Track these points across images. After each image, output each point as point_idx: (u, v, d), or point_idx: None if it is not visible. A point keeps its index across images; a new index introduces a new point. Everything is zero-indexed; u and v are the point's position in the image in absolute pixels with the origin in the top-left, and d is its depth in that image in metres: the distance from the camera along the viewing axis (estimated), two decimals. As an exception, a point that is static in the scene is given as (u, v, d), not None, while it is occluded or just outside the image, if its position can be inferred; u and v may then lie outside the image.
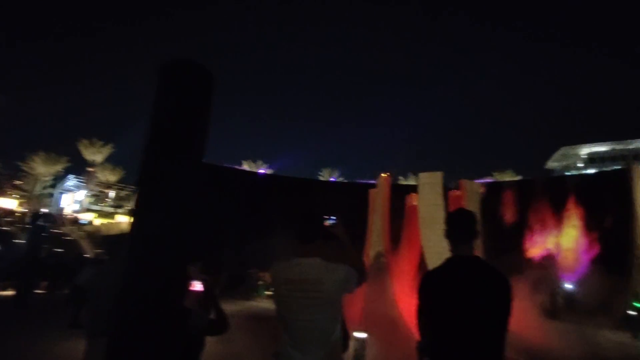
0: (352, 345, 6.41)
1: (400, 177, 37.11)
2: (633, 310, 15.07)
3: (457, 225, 2.42)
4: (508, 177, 37.40)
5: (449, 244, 2.42)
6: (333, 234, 2.60)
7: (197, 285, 3.19)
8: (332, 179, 34.87)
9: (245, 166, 34.69)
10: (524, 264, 27.00)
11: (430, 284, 2.37)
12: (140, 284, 2.26)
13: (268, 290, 19.30)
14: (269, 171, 35.17)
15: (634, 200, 25.30)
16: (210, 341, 3.24)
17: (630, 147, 69.07)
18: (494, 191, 28.60)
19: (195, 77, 2.54)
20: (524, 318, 11.15)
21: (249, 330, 9.04)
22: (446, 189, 15.17)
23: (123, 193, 50.85)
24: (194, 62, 2.57)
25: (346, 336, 2.56)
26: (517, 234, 29.11)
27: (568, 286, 23.28)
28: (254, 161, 35.31)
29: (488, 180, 36.15)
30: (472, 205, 13.61)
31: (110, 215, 47.02)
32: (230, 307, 15.41)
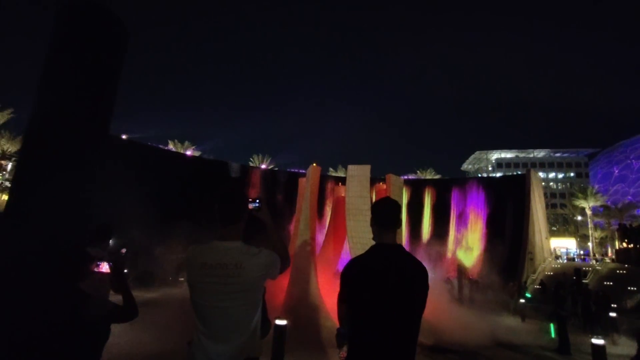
0: (271, 332, 6.33)
1: (331, 169, 37.81)
2: (523, 299, 17.18)
3: (382, 213, 2.42)
4: (429, 175, 40.07)
5: (373, 232, 2.40)
6: (256, 218, 2.44)
7: (103, 267, 2.80)
8: (262, 166, 34.32)
9: (171, 146, 32.58)
10: (438, 254, 29.35)
11: (353, 272, 2.33)
12: (15, 266, 1.88)
13: (183, 275, 18.53)
14: (196, 153, 33.51)
15: (529, 202, 28.81)
16: (118, 330, 2.88)
17: (531, 155, 78.29)
18: (416, 187, 30.62)
19: (102, 26, 2.07)
20: (435, 305, 12.08)
21: (163, 318, 8.53)
22: (373, 182, 15.72)
23: (23, 166, 44.73)
24: (102, 6, 2.10)
25: (266, 323, 2.42)
26: (435, 227, 31.54)
27: (472, 277, 25.78)
28: (181, 142, 33.41)
29: (412, 176, 38.40)
30: (396, 198, 14.28)
31: (8, 190, 41.33)
32: (145, 293, 14.52)
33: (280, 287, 11.33)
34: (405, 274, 2.23)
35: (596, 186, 52.25)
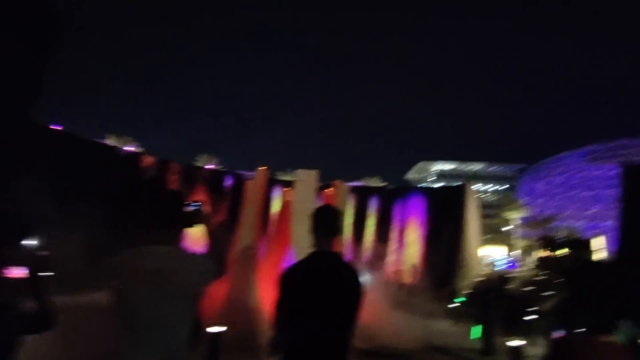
0: (206, 340, 6.13)
1: (279, 172, 37.66)
2: (455, 303, 18.26)
3: (321, 220, 2.47)
4: (375, 182, 41.29)
5: (313, 239, 2.44)
6: (195, 221, 2.37)
7: (14, 271, 2.55)
8: (208, 166, 33.27)
9: (109, 141, 30.54)
10: (380, 260, 30.16)
11: (290, 278, 2.35)
12: None
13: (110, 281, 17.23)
14: (138, 149, 31.65)
15: (466, 212, 30.70)
16: (32, 341, 2.62)
17: (468, 168, 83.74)
18: (363, 193, 31.38)
19: (28, 9, 1.90)
20: (374, 309, 12.42)
21: (85, 327, 7.92)
22: (321, 188, 15.89)
23: None
24: None
25: (199, 331, 2.36)
26: (379, 233, 32.45)
27: (411, 283, 26.86)
28: (120, 136, 31.39)
29: (359, 183, 39.30)
30: (342, 204, 14.57)
31: None
32: (67, 299, 13.36)
33: (219, 292, 11.05)
34: (340, 281, 2.30)
35: (524, 199, 57.02)
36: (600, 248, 34.70)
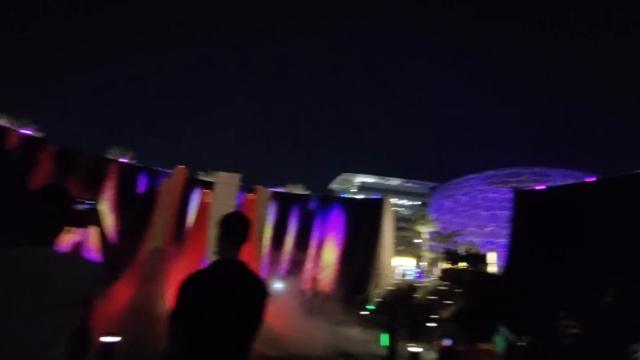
0: (96, 352, 5.53)
1: (201, 173, 36.10)
2: (366, 311, 19.03)
3: (231, 228, 2.38)
4: (298, 190, 41.60)
5: (218, 246, 2.34)
6: (87, 221, 2.12)
7: None
8: (122, 160, 30.63)
9: (3, 121, 26.61)
10: (298, 268, 30.32)
11: (190, 287, 2.21)
12: None
13: None
14: (37, 134, 28.02)
15: (382, 224, 32.46)
16: None
17: (388, 182, 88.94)
18: (284, 200, 31.47)
19: None
20: (287, 317, 12.40)
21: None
22: (242, 191, 15.54)
23: None
24: None
25: (86, 343, 2.08)
26: (297, 241, 32.68)
27: (326, 290, 27.42)
28: (16, 117, 27.51)
29: (281, 189, 39.30)
30: (263, 210, 14.40)
31: None
32: None
33: (120, 297, 10.16)
34: (243, 292, 2.22)
35: (433, 215, 62.12)
36: (493, 262, 39.12)
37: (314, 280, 25.60)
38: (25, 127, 27.65)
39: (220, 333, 2.11)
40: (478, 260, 33.98)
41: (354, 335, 15.24)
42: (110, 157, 30.47)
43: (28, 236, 1.77)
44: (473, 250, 39.39)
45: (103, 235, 2.26)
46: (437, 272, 48.44)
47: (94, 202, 2.19)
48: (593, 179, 32.60)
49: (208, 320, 2.11)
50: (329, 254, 32.19)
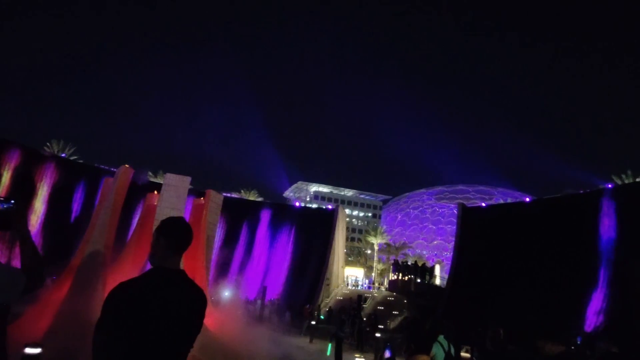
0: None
1: (150, 174, 34.48)
2: (314, 321, 18.96)
3: (175, 235, 2.24)
4: (252, 196, 40.99)
5: (156, 253, 2.19)
6: (6, 223, 1.90)
7: None
8: (62, 155, 28.51)
9: None
10: (243, 275, 29.65)
11: (121, 297, 2.04)
12: None
13: None
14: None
15: (334, 234, 32.79)
16: None
17: (342, 193, 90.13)
18: (237, 206, 30.84)
19: None
20: (233, 325, 12.04)
21: None
22: (191, 195, 14.99)
23: None
24: None
25: (1, 356, 1.84)
26: (245, 248, 32.06)
27: (274, 299, 27.05)
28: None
29: (235, 195, 38.49)
30: (213, 215, 13.95)
31: None
32: None
33: (51, 304, 9.33)
34: (180, 303, 2.10)
35: (384, 227, 63.66)
36: (438, 274, 40.78)
37: (263, 289, 25.16)
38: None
39: (150, 345, 1.98)
40: (425, 272, 35.18)
41: (302, 344, 15.09)
42: (47, 151, 28.29)
43: None
44: (421, 262, 40.79)
45: (25, 238, 2.04)
46: (386, 282, 49.69)
47: (13, 201, 1.96)
48: (528, 198, 35.31)
49: (138, 333, 1.97)
50: (279, 261, 31.89)
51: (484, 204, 36.76)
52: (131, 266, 13.29)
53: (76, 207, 25.41)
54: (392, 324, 25.05)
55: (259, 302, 22.48)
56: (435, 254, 65.23)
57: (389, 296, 33.46)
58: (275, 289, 29.52)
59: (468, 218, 30.08)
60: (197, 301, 2.16)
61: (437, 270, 40.37)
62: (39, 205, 24.01)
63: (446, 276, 33.40)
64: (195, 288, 2.19)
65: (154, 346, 1.96)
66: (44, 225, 23.88)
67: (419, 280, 33.80)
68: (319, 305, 26.23)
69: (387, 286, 42.66)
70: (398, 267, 37.04)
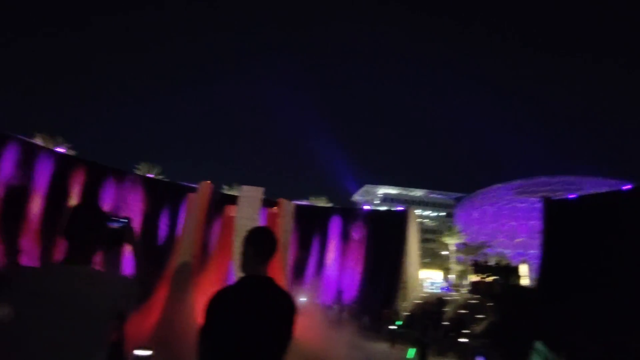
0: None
1: (225, 187, 36.66)
2: (394, 325, 18.55)
3: (258, 244, 2.34)
4: (322, 202, 41.53)
5: (244, 262, 2.30)
6: (121, 239, 2.12)
7: None
8: (149, 175, 31.54)
9: (39, 140, 28.00)
10: (321, 280, 30.06)
11: (219, 304, 2.17)
12: None
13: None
14: (70, 152, 29.29)
15: (407, 236, 31.88)
16: None
17: (411, 193, 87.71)
18: (307, 213, 31.43)
19: None
20: (314, 330, 12.22)
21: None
22: (265, 205, 15.61)
23: None
24: None
25: (120, 357, 2.06)
26: (320, 254, 32.50)
27: (351, 304, 27.00)
28: (51, 136, 28.87)
29: (305, 202, 39.31)
30: (286, 223, 14.38)
31: None
32: None
33: (152, 311, 10.28)
34: (272, 309, 2.19)
35: (459, 226, 60.54)
36: (525, 274, 37.58)
37: (339, 293, 25.27)
38: (59, 146, 28.98)
39: (250, 350, 2.08)
40: (509, 272, 32.70)
41: (383, 350, 14.85)
42: (139, 173, 31.46)
43: (65, 254, 1.78)
44: (503, 262, 37.98)
45: (136, 252, 2.26)
46: (466, 284, 47.07)
47: (127, 219, 2.19)
48: (629, 186, 30.87)
49: (238, 338, 2.09)
50: (353, 266, 31.80)
51: (572, 195, 33.18)
52: (216, 274, 14.20)
53: (164, 222, 27.81)
54: (478, 329, 23.62)
55: (336, 307, 22.60)
56: (519, 253, 60.35)
57: (472, 299, 31.63)
58: (351, 293, 29.47)
59: (554, 212, 27.38)
60: (286, 306, 2.23)
61: (523, 270, 37.24)
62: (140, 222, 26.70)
63: (534, 276, 30.71)
64: (285, 294, 2.26)
65: (251, 350, 2.06)
66: (141, 240, 26.52)
67: (502, 282, 31.52)
68: (398, 310, 25.64)
69: (468, 288, 40.41)
70: (479, 268, 34.93)
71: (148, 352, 6.14)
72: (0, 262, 19.29)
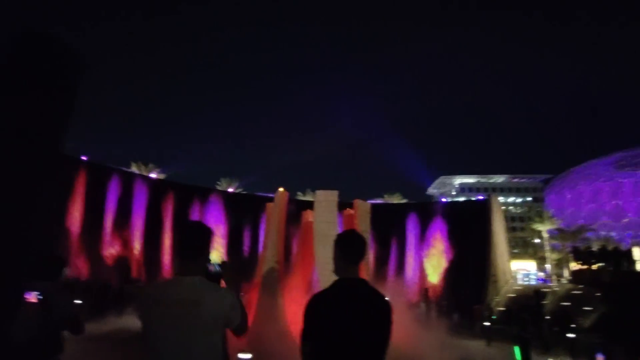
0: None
1: (299, 193, 37.76)
2: (488, 322, 17.45)
3: (347, 247, 2.40)
4: (396, 199, 40.81)
5: (338, 265, 2.37)
6: (218, 281, 2.38)
7: (31, 297, 2.65)
8: (230, 190, 33.71)
9: (135, 169, 31.57)
10: (404, 279, 29.47)
11: (317, 308, 2.27)
12: None
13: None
14: (161, 176, 32.49)
15: (491, 226, 29.87)
16: None
17: (491, 180, 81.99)
18: (383, 211, 31.04)
19: (51, 53, 2.00)
20: (403, 330, 12.02)
21: (117, 356, 7.94)
22: (341, 208, 15.74)
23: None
24: (51, 36, 2.06)
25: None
26: (400, 252, 31.87)
27: (437, 301, 26.02)
28: (145, 164, 32.35)
29: (379, 201, 38.93)
30: (363, 224, 14.36)
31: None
32: (109, 325, 13.53)
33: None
34: (370, 309, 2.22)
35: (551, 210, 54.98)
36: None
37: (424, 291, 24.52)
38: (151, 172, 32.30)
39: (351, 351, 2.12)
40: (619, 257, 29.00)
41: (479, 348, 14.06)
42: (220, 188, 33.82)
43: (179, 268, 2.03)
44: (610, 247, 33.76)
45: (231, 287, 2.48)
46: (566, 274, 42.70)
47: (220, 265, 2.44)
48: None
49: (338, 339, 2.14)
50: (436, 262, 30.67)
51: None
52: (300, 278, 14.66)
53: (246, 233, 29.46)
54: (586, 322, 21.28)
55: (422, 304, 21.97)
56: (628, 234, 53.13)
57: (575, 289, 28.65)
58: (436, 290, 28.45)
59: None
60: (382, 307, 2.24)
61: (638, 253, 32.70)
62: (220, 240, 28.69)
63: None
64: (379, 294, 2.28)
65: (351, 350, 2.11)
66: (227, 252, 28.41)
67: (611, 269, 28.02)
68: (489, 305, 24.14)
69: (569, 278, 36.63)
70: (580, 255, 31.52)
71: (249, 356, 6.57)
72: (121, 281, 22.13)
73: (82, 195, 22.90)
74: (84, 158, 24.49)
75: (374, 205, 16.83)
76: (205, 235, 2.11)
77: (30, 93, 1.99)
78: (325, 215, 13.17)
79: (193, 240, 2.07)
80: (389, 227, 30.82)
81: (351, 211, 14.52)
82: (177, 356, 1.81)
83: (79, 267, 21.25)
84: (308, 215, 14.54)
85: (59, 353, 2.99)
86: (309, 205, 14.85)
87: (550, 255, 47.00)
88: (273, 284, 11.51)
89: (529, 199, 79.12)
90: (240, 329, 2.07)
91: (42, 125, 2.03)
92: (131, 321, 15.13)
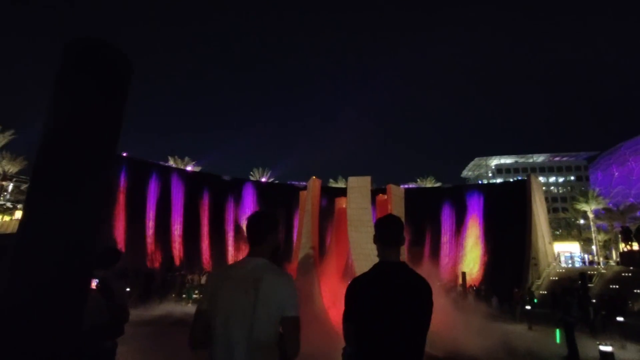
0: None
1: (331, 180, 37.81)
2: (529, 305, 17.01)
3: (385, 231, 2.43)
4: (430, 183, 40.05)
5: (378, 249, 2.42)
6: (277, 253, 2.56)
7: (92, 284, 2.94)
8: (263, 180, 34.32)
9: (172, 163, 32.72)
10: (440, 263, 29.10)
11: (358, 290, 2.33)
12: (21, 292, 1.94)
13: (196, 292, 18.45)
14: (196, 168, 33.54)
15: (531, 207, 28.76)
16: (125, 351, 3.09)
17: (530, 160, 78.45)
18: (417, 196, 30.58)
19: (106, 59, 2.13)
20: (442, 315, 11.95)
21: (172, 338, 8.42)
22: (374, 193, 15.71)
23: (24, 186, 44.77)
24: (105, 43, 2.22)
25: (292, 345, 2.30)
26: (435, 236, 31.42)
27: (475, 285, 25.56)
28: (181, 158, 33.48)
29: (413, 185, 38.36)
30: (397, 208, 14.28)
31: (9, 210, 41.27)
32: (154, 311, 14.39)
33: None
34: (410, 291, 2.25)
35: (597, 189, 52.01)
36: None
37: (461, 275, 24.14)
38: (187, 165, 33.37)
39: (392, 332, 2.16)
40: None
41: (520, 332, 13.77)
42: (253, 179, 34.50)
43: (249, 250, 2.24)
44: (664, 226, 31.67)
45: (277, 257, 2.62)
46: (614, 255, 40.53)
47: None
48: None
49: (379, 321, 2.18)
50: (474, 246, 30.02)
51: None
52: (336, 262, 14.86)
53: (281, 221, 30.03)
54: (636, 306, 20.27)
55: (459, 289, 21.69)
56: (686, 212, 49.48)
57: (624, 271, 27.25)
58: (474, 274, 27.94)
59: None
60: (423, 289, 2.26)
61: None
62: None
63: None
64: (419, 277, 2.30)
65: (392, 331, 2.15)
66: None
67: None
68: (530, 288, 23.46)
69: (617, 260, 34.79)
70: (629, 235, 29.81)
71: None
72: (163, 270, 23.26)
73: (124, 190, 24.16)
74: (124, 154, 25.69)
75: (407, 190, 16.66)
76: (266, 222, 2.30)
77: (91, 96, 2.16)
78: (358, 201, 13.21)
79: (256, 227, 2.27)
80: (423, 211, 30.41)
81: (384, 196, 14.47)
82: (240, 326, 1.97)
83: (125, 258, 22.63)
84: (341, 202, 14.64)
85: (119, 336, 3.26)
86: (342, 192, 14.94)
87: (597, 237, 44.73)
88: (309, 269, 11.75)
89: (572, 178, 75.10)
90: (289, 348, 2.06)
91: (102, 128, 2.20)
92: (173, 307, 16.05)
